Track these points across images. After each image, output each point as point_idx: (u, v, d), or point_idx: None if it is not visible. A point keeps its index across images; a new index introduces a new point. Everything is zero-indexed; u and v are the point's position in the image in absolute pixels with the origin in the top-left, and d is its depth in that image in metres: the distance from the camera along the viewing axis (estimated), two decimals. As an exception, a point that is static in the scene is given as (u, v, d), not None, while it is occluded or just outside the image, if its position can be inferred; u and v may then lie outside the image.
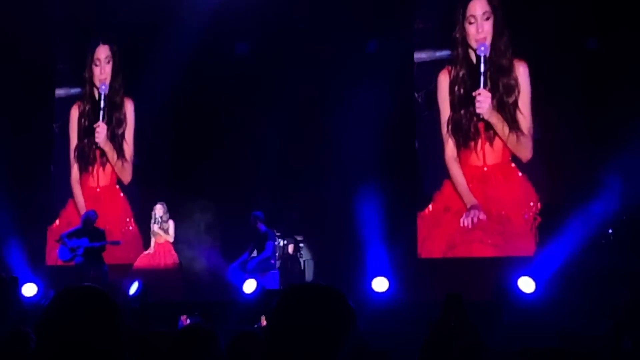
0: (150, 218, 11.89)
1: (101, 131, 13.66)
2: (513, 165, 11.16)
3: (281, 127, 11.49)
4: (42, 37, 13.33)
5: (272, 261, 11.22)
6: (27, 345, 3.07)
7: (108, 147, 13.65)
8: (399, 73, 11.63)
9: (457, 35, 11.69)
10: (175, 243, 11.82)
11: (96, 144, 13.69)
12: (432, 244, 11.54)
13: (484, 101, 11.29)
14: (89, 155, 13.82)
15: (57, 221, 13.64)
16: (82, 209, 13.26)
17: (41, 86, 13.94)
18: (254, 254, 11.13)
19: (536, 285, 8.93)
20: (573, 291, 8.78)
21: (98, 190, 13.67)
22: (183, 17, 12.22)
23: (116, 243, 11.72)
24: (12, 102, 13.04)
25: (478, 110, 11.33)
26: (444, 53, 11.84)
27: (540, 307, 8.46)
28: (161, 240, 11.79)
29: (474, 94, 11.37)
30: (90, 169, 13.78)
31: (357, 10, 11.55)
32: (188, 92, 12.79)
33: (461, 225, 11.35)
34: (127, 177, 13.52)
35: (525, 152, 11.10)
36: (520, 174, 11.13)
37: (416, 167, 11.92)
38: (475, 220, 11.26)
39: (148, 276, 11.01)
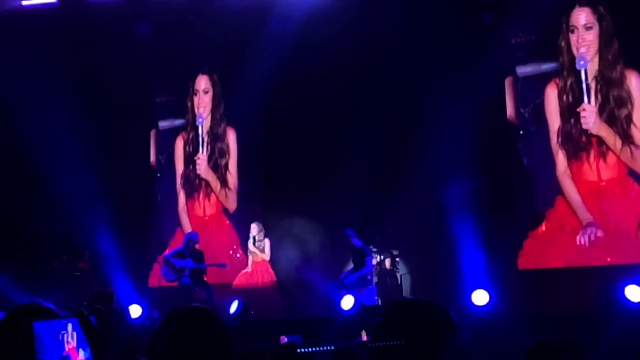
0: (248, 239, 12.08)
1: (202, 163, 13.87)
2: (630, 178, 10.74)
3: (374, 141, 11.49)
4: (141, 71, 13.75)
5: (369, 277, 11.21)
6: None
7: (210, 177, 13.78)
8: (495, 89, 11.43)
9: (562, 44, 11.37)
10: (271, 261, 11.96)
11: (198, 175, 13.97)
12: (547, 262, 11.18)
13: (588, 116, 10.93)
14: (194, 182, 14.11)
15: (167, 250, 13.94)
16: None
17: (144, 119, 14.36)
18: (352, 269, 11.16)
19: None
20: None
21: (205, 218, 13.89)
22: (270, 40, 12.43)
23: (222, 265, 11.92)
24: (114, 137, 13.43)
25: (584, 126, 10.96)
26: (550, 66, 11.54)
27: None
28: (258, 259, 11.96)
29: (578, 109, 11.04)
30: (196, 196, 14.03)
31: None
32: (277, 112, 12.97)
33: (578, 243, 10.97)
34: (232, 205, 13.65)
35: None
36: (639, 188, 10.70)
37: (526, 184, 11.62)
38: (593, 237, 10.85)
39: (247, 295, 11.17)
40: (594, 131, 10.93)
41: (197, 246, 11.91)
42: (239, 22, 12.38)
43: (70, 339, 1.86)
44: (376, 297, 11.13)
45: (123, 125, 13.56)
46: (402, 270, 12.06)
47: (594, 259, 10.79)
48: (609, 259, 10.67)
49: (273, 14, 12.32)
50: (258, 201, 12.91)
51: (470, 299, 9.67)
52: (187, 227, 13.81)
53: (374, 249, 11.66)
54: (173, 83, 14.41)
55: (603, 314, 8.33)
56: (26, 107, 12.25)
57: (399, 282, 11.91)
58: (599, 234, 10.80)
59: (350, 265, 11.53)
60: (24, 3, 12.76)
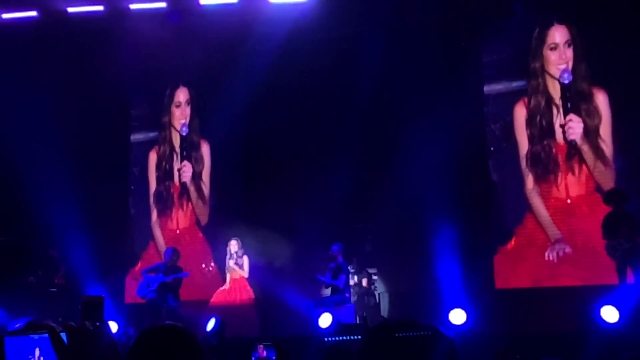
0: (226, 255, 12.04)
1: (187, 170, 13.98)
2: (597, 195, 10.86)
3: (351, 161, 11.53)
4: (117, 84, 13.73)
5: (347, 295, 11.19)
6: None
7: (193, 187, 13.93)
8: (471, 106, 11.54)
9: (537, 65, 11.55)
10: (250, 279, 11.91)
11: (183, 184, 13.97)
12: (516, 278, 11.32)
13: (576, 127, 11.12)
14: (167, 198, 14.10)
15: (140, 263, 13.92)
16: (163, 251, 13.54)
17: (118, 132, 14.34)
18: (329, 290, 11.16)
19: (620, 314, 8.65)
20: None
21: (178, 232, 13.91)
22: (250, 57, 12.45)
23: (184, 275, 11.79)
24: (89, 149, 13.39)
25: (571, 137, 11.13)
26: (520, 84, 11.71)
27: (625, 337, 8.17)
28: (236, 276, 11.90)
29: (564, 120, 11.19)
30: (169, 212, 14.05)
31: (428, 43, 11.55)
32: (255, 130, 13.00)
33: (546, 259, 11.13)
34: (204, 218, 13.75)
35: (609, 182, 10.83)
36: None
37: (495, 200, 11.75)
38: (561, 253, 11.04)
39: (224, 312, 11.10)
40: (579, 142, 11.09)
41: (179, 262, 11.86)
42: (218, 38, 12.38)
43: (41, 355, 1.83)
44: (355, 316, 11.10)
45: (100, 138, 13.54)
46: (380, 289, 12.08)
47: (562, 275, 10.95)
48: (577, 275, 10.84)
49: (253, 32, 12.33)
50: (236, 217, 12.87)
51: (447, 318, 9.68)
52: (160, 240, 13.85)
53: (352, 269, 11.65)
54: (148, 96, 14.44)
55: (580, 334, 8.37)
56: (2, 120, 12.14)
57: (377, 300, 11.92)
58: (567, 250, 11.02)
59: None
60: (3, 16, 12.67)
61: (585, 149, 11.07)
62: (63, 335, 1.79)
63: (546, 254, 11.13)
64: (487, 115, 11.95)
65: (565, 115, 11.23)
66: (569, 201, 11.15)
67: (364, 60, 11.92)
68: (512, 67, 11.85)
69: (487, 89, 11.98)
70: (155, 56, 13.45)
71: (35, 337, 1.82)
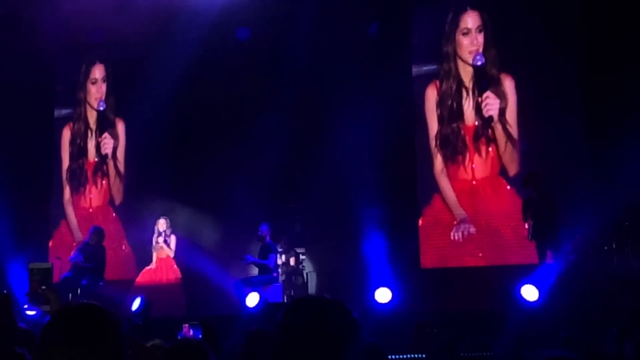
0: (152, 234, 11.88)
1: (108, 142, 13.71)
2: (501, 178, 11.21)
3: (281, 138, 11.54)
4: (43, 58, 13.35)
5: (275, 274, 11.22)
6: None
7: (109, 164, 13.70)
8: (397, 89, 11.65)
9: (449, 49, 11.75)
10: (176, 258, 11.81)
11: (103, 156, 13.72)
12: (424, 256, 11.59)
13: (493, 103, 11.36)
14: (80, 176, 13.83)
15: (51, 242, 13.66)
16: (75, 230, 13.39)
17: (42, 106, 13.97)
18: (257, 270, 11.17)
19: (539, 293, 8.91)
20: (574, 298, 8.76)
21: (90, 210, 13.70)
22: (176, 35, 12.26)
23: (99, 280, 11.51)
24: (13, 123, 13.04)
25: (489, 113, 11.37)
26: (431, 67, 11.92)
27: (545, 315, 8.43)
28: (163, 255, 11.78)
29: (482, 98, 11.39)
30: (82, 189, 13.80)
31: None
32: (181, 105, 12.87)
33: (451, 238, 11.41)
34: (119, 196, 13.55)
35: (513, 164, 11.18)
36: (508, 187, 11.17)
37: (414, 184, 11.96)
38: (466, 233, 11.34)
39: (150, 292, 10.98)
40: (495, 119, 11.32)
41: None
42: (144, 17, 12.10)
43: None
44: (282, 295, 11.14)
45: (24, 112, 13.19)
46: (308, 268, 12.14)
47: (467, 254, 11.28)
48: (480, 254, 11.19)
49: (179, 11, 12.15)
50: (159, 197, 12.68)
51: (373, 297, 9.80)
52: (72, 219, 13.69)
53: (280, 249, 11.67)
54: (70, 71, 14.09)
55: (501, 312, 8.60)
56: None
57: (305, 279, 11.99)
58: (472, 230, 11.31)
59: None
60: None
61: (499, 129, 11.31)
62: None
63: (452, 234, 11.42)
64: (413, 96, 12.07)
65: (480, 95, 11.44)
66: (474, 182, 11.41)
67: (293, 38, 11.90)
68: (427, 51, 12.02)
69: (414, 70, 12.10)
70: (75, 30, 13.12)
71: None
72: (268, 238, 11.14)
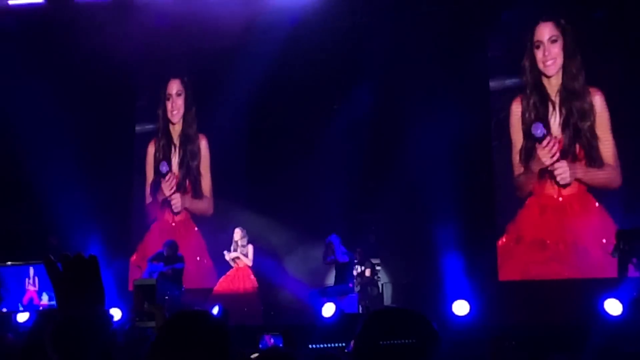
0: (230, 244, 12.04)
1: (183, 163, 13.98)
2: (590, 195, 10.89)
3: (356, 151, 11.55)
4: (125, 75, 13.69)
5: (351, 285, 11.23)
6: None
7: (189, 179, 13.94)
8: (474, 102, 11.51)
9: (526, 63, 11.54)
10: (253, 268, 11.94)
11: (181, 175, 13.96)
12: (502, 269, 11.37)
13: (563, 172, 11.10)
14: (164, 189, 14.11)
15: (135, 255, 13.96)
16: (157, 244, 13.61)
17: (123, 123, 14.31)
18: (333, 279, 11.22)
19: (623, 307, 8.65)
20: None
21: (173, 224, 13.92)
22: (253, 49, 12.41)
23: (179, 266, 11.80)
24: (95, 140, 13.37)
25: (562, 182, 11.10)
26: (514, 81, 11.70)
27: (629, 330, 8.18)
28: (240, 265, 11.93)
29: (550, 168, 11.18)
30: (166, 204, 14.05)
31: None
32: (257, 117, 13.02)
33: (536, 256, 11.13)
34: (208, 210, 13.73)
35: (602, 181, 10.86)
36: (597, 204, 10.84)
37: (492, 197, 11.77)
38: (551, 251, 11.04)
39: (227, 300, 11.13)
40: (570, 181, 11.06)
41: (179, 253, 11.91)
42: (221, 31, 12.29)
43: (32, 283, 1.91)
44: (357, 305, 11.13)
45: (105, 128, 13.53)
46: (383, 279, 12.09)
47: (552, 273, 10.96)
48: (566, 273, 10.85)
49: (256, 24, 12.29)
50: (237, 209, 12.84)
51: (451, 309, 9.69)
52: (156, 233, 13.84)
53: (356, 260, 11.67)
54: (148, 88, 14.42)
55: (582, 327, 8.38)
56: (9, 107, 12.17)
57: (380, 290, 11.93)
58: (558, 248, 10.97)
59: (333, 273, 11.59)
60: (10, 2, 12.67)
61: (586, 144, 11.00)
62: (59, 264, 1.84)
63: (536, 252, 11.11)
64: (492, 110, 11.90)
65: (566, 109, 11.15)
66: (560, 199, 11.12)
67: (368, 52, 11.90)
68: (508, 64, 11.83)
69: (492, 84, 11.93)
70: (156, 45, 13.40)
71: (27, 266, 1.90)
72: (342, 253, 11.21)
